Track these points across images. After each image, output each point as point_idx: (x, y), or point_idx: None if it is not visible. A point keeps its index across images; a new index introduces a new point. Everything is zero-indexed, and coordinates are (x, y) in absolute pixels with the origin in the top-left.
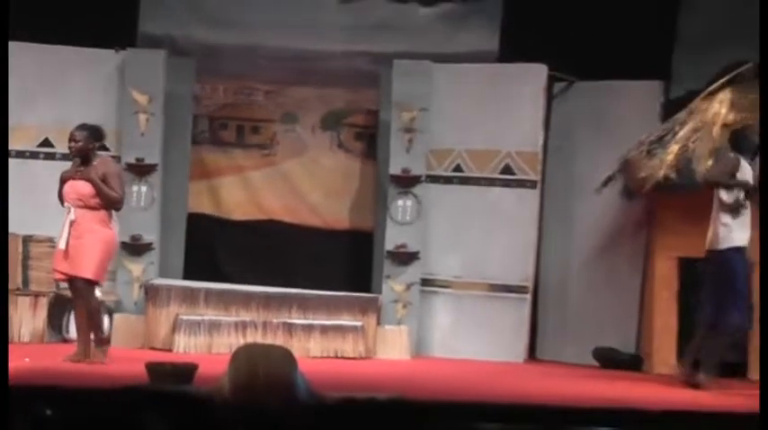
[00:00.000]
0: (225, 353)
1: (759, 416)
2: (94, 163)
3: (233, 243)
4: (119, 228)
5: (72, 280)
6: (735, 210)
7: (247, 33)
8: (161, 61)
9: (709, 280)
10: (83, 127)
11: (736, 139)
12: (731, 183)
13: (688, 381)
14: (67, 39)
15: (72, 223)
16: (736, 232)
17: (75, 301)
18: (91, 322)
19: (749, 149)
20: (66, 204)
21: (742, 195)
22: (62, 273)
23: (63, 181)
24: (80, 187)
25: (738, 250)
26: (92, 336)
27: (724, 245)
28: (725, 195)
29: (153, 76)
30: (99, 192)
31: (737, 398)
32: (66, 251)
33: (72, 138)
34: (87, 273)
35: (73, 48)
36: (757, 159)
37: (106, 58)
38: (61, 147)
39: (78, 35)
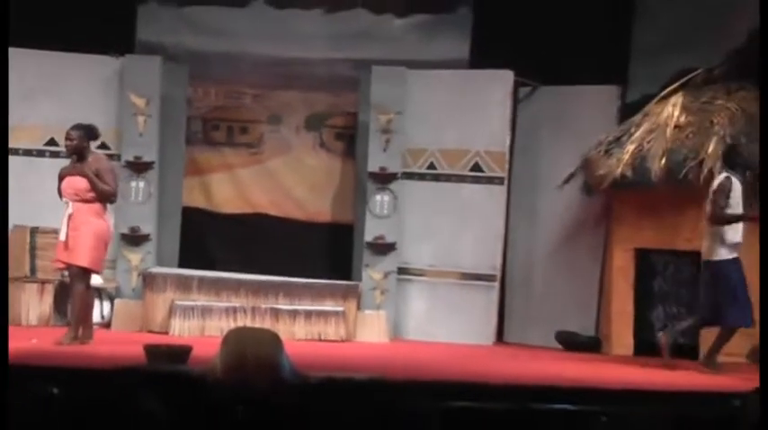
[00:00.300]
0: (216, 336)
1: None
2: (89, 160)
3: (223, 234)
4: (116, 220)
5: (70, 268)
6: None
7: (236, 41)
8: (157, 67)
9: (705, 285)
10: (77, 126)
11: (729, 156)
12: (730, 219)
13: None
14: (71, 46)
15: (70, 216)
16: (728, 244)
17: (71, 288)
18: (77, 306)
19: (742, 165)
20: (63, 199)
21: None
22: (62, 262)
23: (61, 177)
24: (76, 182)
25: (732, 261)
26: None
27: (718, 257)
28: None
29: (149, 81)
30: (93, 187)
31: (688, 377)
32: (66, 242)
33: (68, 137)
34: (83, 261)
35: (76, 54)
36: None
37: (106, 64)
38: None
39: (81, 43)
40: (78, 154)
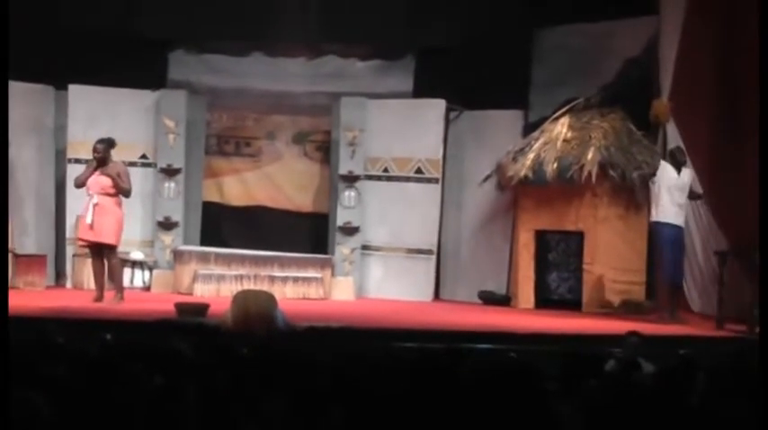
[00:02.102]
0: (228, 296)
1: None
2: (110, 164)
3: (233, 221)
4: (153, 212)
5: (96, 245)
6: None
7: (242, 79)
8: (183, 98)
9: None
10: (102, 140)
11: (671, 156)
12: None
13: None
14: (121, 83)
15: (95, 205)
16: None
17: (95, 260)
18: (113, 275)
19: (678, 162)
20: (89, 192)
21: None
22: (86, 240)
23: (85, 177)
24: (102, 181)
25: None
26: (112, 285)
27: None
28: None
29: (178, 109)
30: (116, 185)
31: (575, 322)
32: (91, 225)
33: (95, 150)
34: (111, 239)
35: (125, 89)
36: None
37: (146, 96)
38: (115, 157)
39: (128, 80)
40: (102, 160)
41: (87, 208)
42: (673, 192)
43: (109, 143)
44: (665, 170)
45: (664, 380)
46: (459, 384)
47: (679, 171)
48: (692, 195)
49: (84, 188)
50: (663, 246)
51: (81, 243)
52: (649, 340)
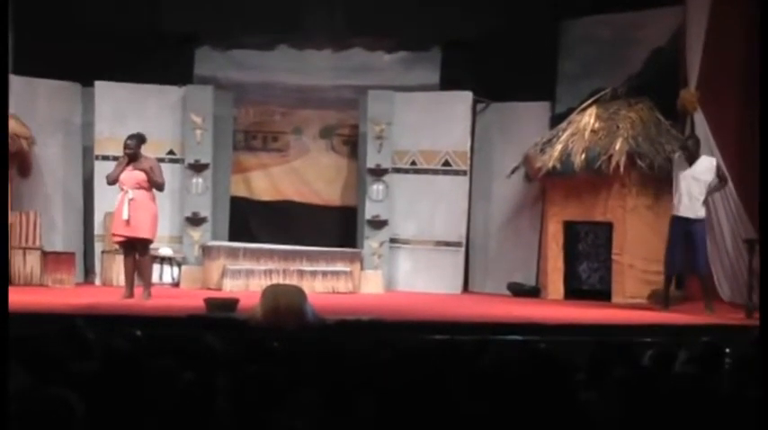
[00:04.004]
0: (257, 291)
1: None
2: (141, 159)
3: (261, 216)
4: (182, 207)
5: (131, 241)
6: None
7: (268, 74)
8: (210, 94)
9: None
10: (132, 136)
11: (681, 147)
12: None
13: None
14: (147, 79)
15: (130, 201)
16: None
17: (127, 257)
18: (143, 272)
19: (690, 153)
20: (124, 187)
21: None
22: (122, 235)
23: (118, 173)
24: (136, 175)
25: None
26: (141, 283)
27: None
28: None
29: (205, 104)
30: (151, 179)
31: (605, 312)
32: (128, 221)
33: (126, 146)
34: (148, 234)
35: (152, 85)
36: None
37: (173, 92)
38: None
39: (155, 77)
40: (134, 155)
41: (122, 203)
42: (682, 184)
43: (140, 138)
44: (677, 162)
45: (694, 370)
46: (489, 376)
47: (691, 162)
48: (713, 188)
49: (116, 184)
50: (668, 239)
51: (117, 239)
52: (681, 330)
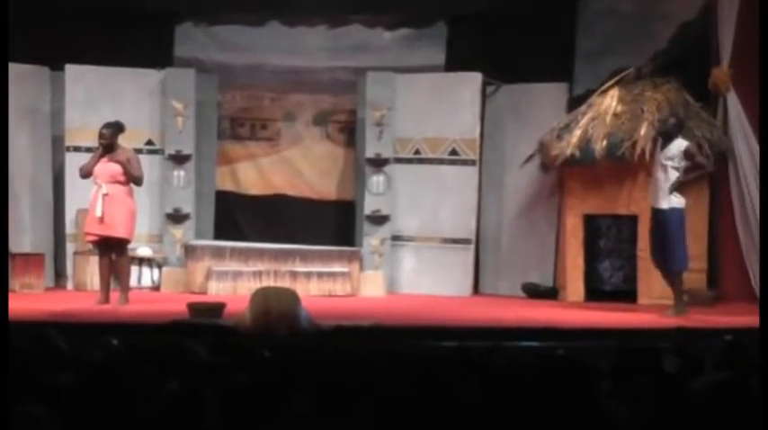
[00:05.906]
0: (245, 295)
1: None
2: (118, 150)
3: (249, 212)
4: (162, 203)
5: (106, 240)
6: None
7: (256, 54)
8: (192, 77)
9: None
10: (108, 125)
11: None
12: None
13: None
14: (123, 62)
15: (105, 196)
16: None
17: (102, 258)
18: (121, 274)
19: (667, 133)
20: (98, 181)
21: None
22: (96, 234)
23: (92, 165)
24: (111, 168)
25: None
26: (118, 286)
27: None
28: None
29: (186, 89)
30: (127, 172)
31: (629, 315)
32: (101, 218)
33: (101, 136)
34: (125, 233)
35: (127, 68)
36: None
37: (151, 76)
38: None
39: (131, 59)
40: (110, 146)
41: (96, 199)
42: (653, 171)
43: (117, 127)
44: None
45: (723, 375)
46: (503, 386)
47: (665, 144)
48: (684, 175)
49: (90, 178)
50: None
51: (89, 238)
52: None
